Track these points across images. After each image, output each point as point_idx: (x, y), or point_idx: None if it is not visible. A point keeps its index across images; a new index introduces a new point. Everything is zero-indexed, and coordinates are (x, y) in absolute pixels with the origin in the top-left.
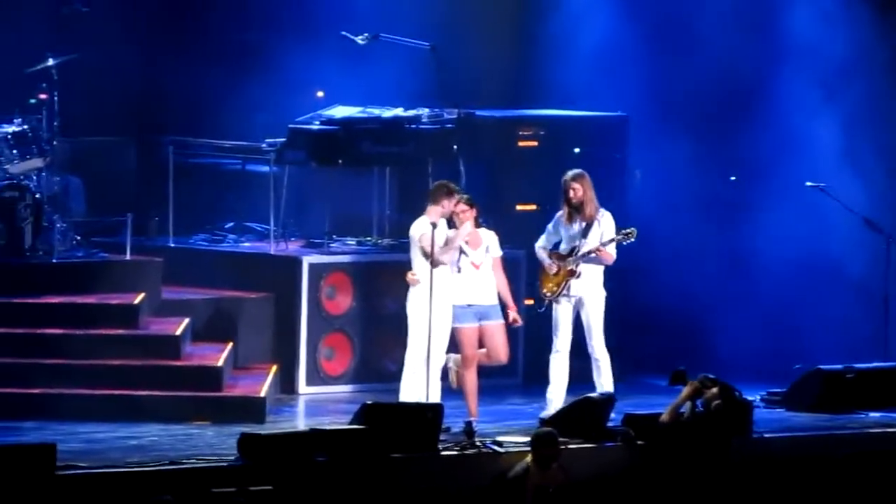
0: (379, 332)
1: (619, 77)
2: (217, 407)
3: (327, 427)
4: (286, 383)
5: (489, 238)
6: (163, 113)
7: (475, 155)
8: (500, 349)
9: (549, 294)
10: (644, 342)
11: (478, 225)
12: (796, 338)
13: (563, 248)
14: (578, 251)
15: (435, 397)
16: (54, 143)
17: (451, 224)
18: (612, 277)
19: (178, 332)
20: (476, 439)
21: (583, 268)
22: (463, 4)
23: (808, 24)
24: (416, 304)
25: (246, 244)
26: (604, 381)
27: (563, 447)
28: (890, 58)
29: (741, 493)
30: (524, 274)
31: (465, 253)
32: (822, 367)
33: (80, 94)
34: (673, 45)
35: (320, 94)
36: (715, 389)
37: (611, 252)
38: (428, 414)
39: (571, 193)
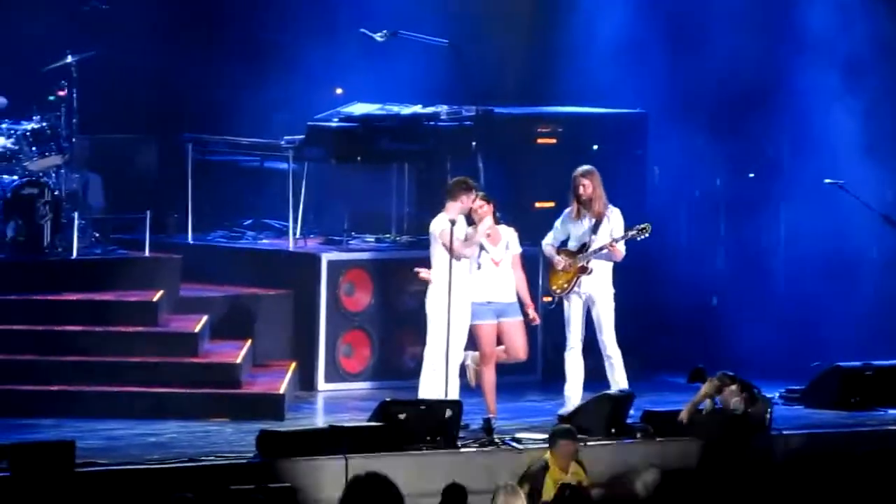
0: (398, 329)
1: (638, 74)
2: (236, 404)
3: (346, 424)
4: (305, 380)
5: (509, 234)
6: (182, 110)
7: (494, 152)
8: (519, 346)
9: (559, 291)
10: (662, 339)
11: (497, 221)
12: (814, 335)
13: (573, 244)
14: (589, 247)
15: (454, 394)
16: (73, 140)
17: (470, 221)
18: (630, 274)
19: (197, 330)
20: (495, 436)
21: (593, 264)
22: (481, 1)
23: (825, 16)
24: (435, 301)
25: (264, 241)
26: (617, 377)
27: (581, 444)
28: None
29: (760, 491)
30: (542, 271)
31: (485, 249)
32: (840, 364)
33: (100, 92)
34: (691, 41)
35: (339, 91)
36: (734, 387)
37: (621, 248)
38: (447, 411)
39: (581, 190)
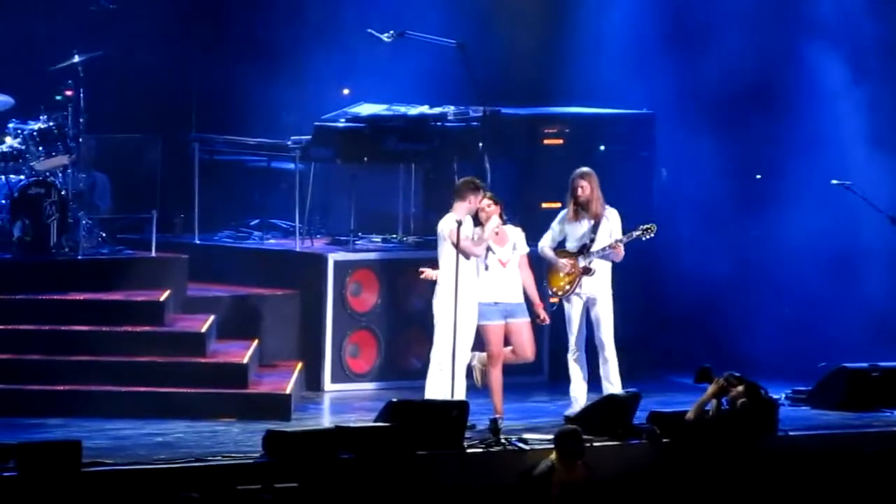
0: (404, 330)
1: (645, 75)
2: (242, 404)
3: (353, 424)
4: (311, 380)
5: (516, 235)
6: (189, 110)
7: (501, 153)
8: (526, 347)
9: (560, 293)
10: (669, 339)
11: (503, 222)
12: (821, 336)
13: (571, 245)
14: (590, 248)
15: (460, 395)
16: (80, 140)
17: (477, 221)
18: (637, 274)
19: (204, 330)
20: (501, 437)
21: (594, 264)
22: (489, 2)
23: (834, 15)
24: (442, 302)
25: (271, 241)
26: (612, 377)
27: (587, 444)
28: None
29: (767, 492)
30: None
31: (492, 250)
32: (847, 365)
33: (107, 92)
34: (697, 43)
35: (346, 91)
36: (740, 387)
37: (622, 248)
38: (453, 411)
39: (580, 191)
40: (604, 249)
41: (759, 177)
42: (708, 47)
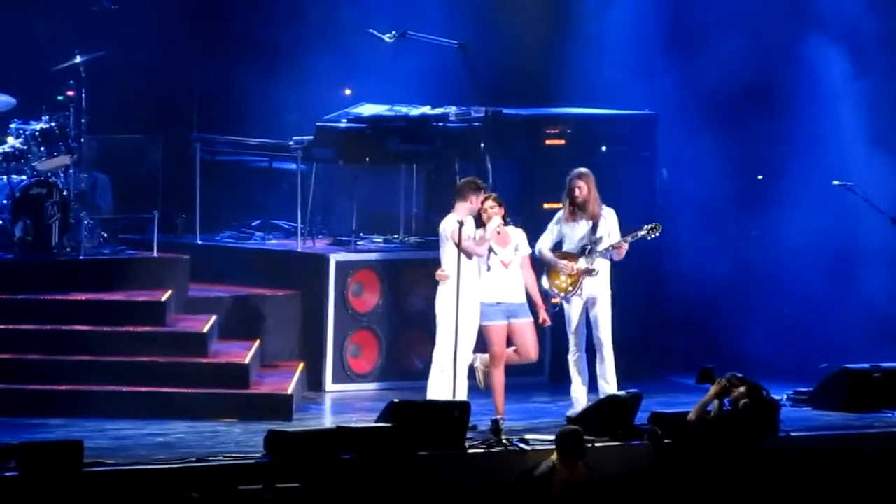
0: (406, 330)
1: (647, 75)
2: (244, 404)
3: (354, 425)
4: (313, 381)
5: (518, 236)
6: (191, 110)
7: (502, 153)
8: (529, 347)
9: (561, 294)
10: (669, 340)
11: (505, 223)
12: (822, 336)
13: (570, 246)
14: (593, 249)
15: (462, 395)
16: (82, 140)
17: (479, 222)
18: (639, 275)
19: (205, 330)
20: (502, 437)
21: (596, 264)
22: (491, 2)
23: (834, 13)
24: (444, 302)
25: (273, 242)
26: (608, 376)
27: (589, 445)
28: None
29: (768, 492)
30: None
31: (494, 251)
32: (848, 366)
33: (109, 92)
34: (699, 43)
35: (348, 91)
36: (742, 388)
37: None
38: (455, 412)
39: (577, 192)
40: (608, 249)
41: (760, 177)
42: (709, 48)
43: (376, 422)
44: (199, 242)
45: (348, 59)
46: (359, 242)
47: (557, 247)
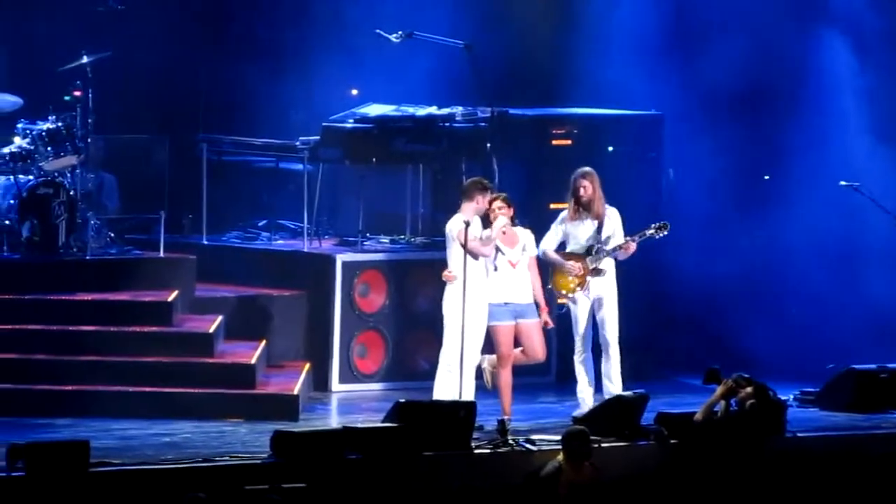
0: (412, 330)
1: (654, 76)
2: (250, 404)
3: (360, 425)
4: (319, 381)
5: (525, 237)
6: (197, 111)
7: (509, 153)
8: (537, 347)
9: (568, 294)
10: (674, 340)
11: (513, 223)
12: (829, 337)
13: (575, 247)
14: (600, 248)
15: (468, 396)
16: (88, 140)
17: (486, 222)
18: (645, 275)
19: (212, 330)
20: (509, 437)
21: (603, 264)
22: (497, 3)
23: (839, 11)
24: (451, 303)
25: (279, 242)
26: (613, 376)
27: (595, 445)
28: None
29: (775, 493)
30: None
31: (501, 251)
32: (855, 366)
33: (115, 92)
34: (705, 43)
35: (354, 92)
36: (749, 389)
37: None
38: (461, 412)
39: (582, 192)
40: (615, 248)
41: (767, 178)
42: (715, 48)
43: (382, 422)
44: (206, 243)
45: (355, 59)
46: (365, 243)
47: (561, 247)
